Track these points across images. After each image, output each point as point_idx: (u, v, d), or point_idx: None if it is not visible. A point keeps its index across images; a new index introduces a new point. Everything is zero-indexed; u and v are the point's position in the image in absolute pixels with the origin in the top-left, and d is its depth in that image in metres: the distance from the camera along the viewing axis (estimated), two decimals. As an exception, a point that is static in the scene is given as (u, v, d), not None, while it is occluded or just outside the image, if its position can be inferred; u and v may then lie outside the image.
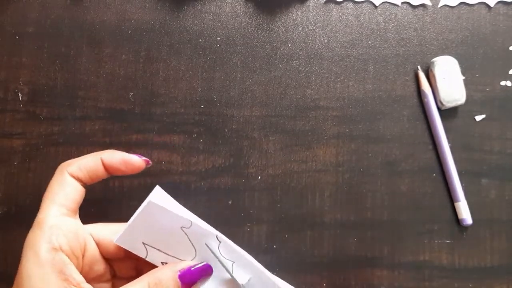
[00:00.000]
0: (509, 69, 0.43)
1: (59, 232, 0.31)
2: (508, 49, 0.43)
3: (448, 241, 0.42)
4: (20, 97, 0.42)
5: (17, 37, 0.42)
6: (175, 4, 0.43)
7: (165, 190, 0.41)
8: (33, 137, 0.41)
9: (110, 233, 0.34)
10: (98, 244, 0.34)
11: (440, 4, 0.43)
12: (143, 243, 0.34)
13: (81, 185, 0.34)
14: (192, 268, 0.33)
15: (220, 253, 0.34)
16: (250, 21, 0.43)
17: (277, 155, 0.42)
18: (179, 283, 0.32)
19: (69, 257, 0.31)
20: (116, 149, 0.41)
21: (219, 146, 0.42)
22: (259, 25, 0.43)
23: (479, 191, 0.42)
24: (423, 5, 0.43)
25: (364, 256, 0.42)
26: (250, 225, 0.41)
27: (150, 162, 0.35)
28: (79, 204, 0.34)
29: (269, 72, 0.43)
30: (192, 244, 0.34)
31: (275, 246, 0.41)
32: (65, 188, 0.33)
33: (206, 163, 0.42)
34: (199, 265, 0.33)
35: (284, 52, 0.43)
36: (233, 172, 0.42)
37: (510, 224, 0.42)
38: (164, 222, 0.33)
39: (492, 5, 0.43)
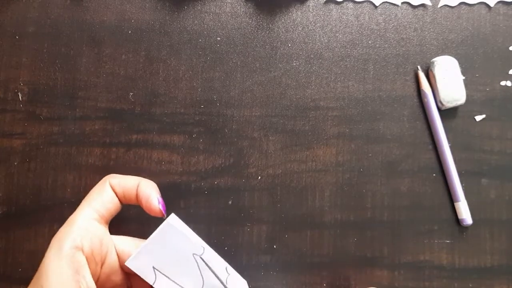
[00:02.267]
0: (509, 69, 0.43)
1: (85, 233, 0.32)
2: (508, 49, 0.43)
3: (448, 241, 0.42)
4: (20, 97, 0.42)
5: (17, 37, 0.42)
6: (175, 4, 0.43)
7: (165, 190, 0.41)
8: (33, 137, 0.41)
9: (132, 247, 0.35)
10: (119, 256, 0.35)
11: (440, 4, 0.43)
12: (153, 267, 0.34)
13: (118, 199, 0.35)
14: None
15: (227, 285, 0.35)
16: (250, 21, 0.43)
17: (277, 155, 0.42)
18: None
19: (88, 260, 0.32)
20: (116, 149, 0.41)
21: (219, 146, 0.42)
22: (259, 25, 0.43)
23: (479, 191, 0.42)
24: (423, 5, 0.43)
25: (364, 256, 0.42)
26: (250, 225, 0.41)
27: (165, 216, 0.35)
28: (112, 216, 0.35)
29: (269, 72, 0.43)
30: (200, 273, 0.34)
31: (275, 246, 0.41)
32: (102, 196, 0.34)
33: (206, 163, 0.42)
34: None
35: (284, 52, 0.43)
36: (233, 172, 0.42)
37: (510, 224, 0.42)
38: (178, 246, 0.34)
39: (492, 5, 0.43)
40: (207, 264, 0.35)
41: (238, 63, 0.43)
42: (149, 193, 0.35)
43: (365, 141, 0.42)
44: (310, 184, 0.42)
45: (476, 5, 0.44)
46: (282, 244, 0.41)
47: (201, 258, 0.34)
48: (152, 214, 0.35)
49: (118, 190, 0.35)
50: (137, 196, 0.35)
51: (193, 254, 0.34)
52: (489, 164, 0.43)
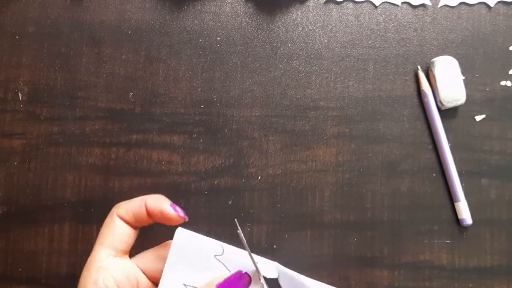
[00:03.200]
0: (509, 69, 0.43)
1: (105, 273, 0.32)
2: (508, 49, 0.43)
3: (448, 241, 0.42)
4: (20, 97, 0.42)
5: (17, 37, 0.42)
6: (175, 4, 0.43)
7: (165, 190, 0.41)
8: (33, 137, 0.41)
9: (153, 259, 0.34)
10: (146, 274, 0.34)
11: (440, 4, 0.43)
12: (184, 284, 0.33)
13: (130, 227, 0.34)
14: (229, 277, 0.33)
15: (258, 269, 0.34)
16: (250, 21, 0.43)
17: (277, 155, 0.42)
18: None
19: None
20: (116, 149, 0.41)
21: (219, 146, 0.42)
22: (259, 25, 0.43)
23: (479, 191, 0.42)
24: (423, 5, 0.43)
25: (364, 256, 0.42)
26: (250, 225, 0.41)
27: (186, 219, 0.34)
28: (129, 245, 0.34)
29: (269, 72, 0.43)
30: (229, 271, 0.34)
31: (275, 246, 0.41)
32: (113, 230, 0.33)
33: (206, 163, 0.42)
34: (234, 273, 0.33)
35: (284, 52, 0.43)
36: (233, 172, 0.42)
37: (510, 224, 0.42)
38: (197, 255, 0.33)
39: (492, 5, 0.43)
40: (231, 261, 0.34)
41: (238, 63, 0.43)
42: (160, 205, 0.34)
43: (365, 141, 0.42)
44: (310, 184, 0.42)
45: (476, 5, 0.44)
46: (282, 244, 0.41)
47: (223, 257, 0.34)
48: (174, 223, 0.34)
49: (127, 218, 0.34)
50: (148, 214, 0.34)
51: (215, 256, 0.34)
52: (489, 164, 0.43)
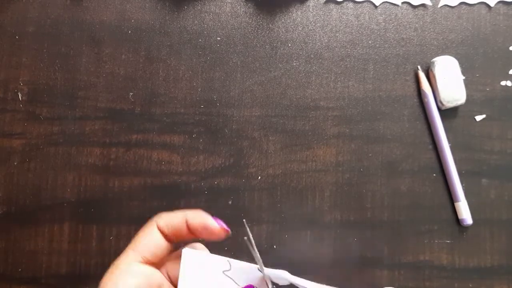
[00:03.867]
0: (509, 69, 0.43)
1: (128, 278, 0.32)
2: (508, 49, 0.43)
3: (448, 241, 0.42)
4: (20, 97, 0.42)
5: (17, 37, 0.42)
6: (175, 4, 0.43)
7: (165, 190, 0.41)
8: (33, 137, 0.41)
9: (175, 260, 0.34)
10: (169, 277, 0.34)
11: (440, 4, 0.43)
12: None
13: (167, 240, 0.33)
14: None
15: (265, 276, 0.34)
16: (250, 21, 0.43)
17: (277, 155, 0.42)
18: None
19: None
20: (116, 149, 0.41)
21: (219, 146, 0.42)
22: (259, 25, 0.43)
23: (479, 191, 0.42)
24: (423, 5, 0.43)
25: (364, 256, 0.42)
26: (250, 225, 0.41)
27: (230, 232, 0.34)
28: (159, 259, 0.34)
29: (269, 72, 0.43)
30: (239, 285, 0.34)
31: (275, 246, 0.41)
32: (148, 239, 0.33)
33: (206, 163, 0.42)
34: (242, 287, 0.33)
35: (284, 52, 0.43)
36: (233, 172, 0.42)
37: (510, 224, 0.42)
38: (207, 274, 0.33)
39: (492, 5, 0.43)
40: (239, 276, 0.34)
41: (238, 63, 0.43)
42: (203, 220, 0.33)
43: (365, 141, 0.42)
44: (310, 184, 0.42)
45: (476, 5, 0.43)
46: (282, 244, 0.41)
47: (231, 272, 0.34)
48: (217, 238, 0.34)
49: (166, 230, 0.33)
50: (190, 230, 0.33)
51: (223, 272, 0.34)
52: (489, 164, 0.43)
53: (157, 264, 0.34)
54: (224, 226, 0.34)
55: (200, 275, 0.34)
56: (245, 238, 0.32)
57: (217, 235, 0.33)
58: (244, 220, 0.34)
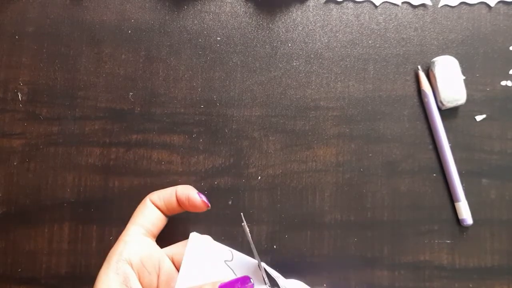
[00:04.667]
0: (510, 69, 0.43)
1: (131, 247, 0.35)
2: (509, 49, 0.43)
3: (448, 241, 0.42)
4: (19, 97, 0.42)
5: (17, 37, 0.42)
6: (175, 4, 0.43)
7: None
8: (32, 137, 0.41)
9: (182, 247, 0.37)
10: (173, 260, 0.37)
11: (440, 4, 0.43)
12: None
13: (161, 213, 0.37)
14: (233, 280, 0.35)
15: (264, 279, 0.36)
16: (250, 21, 0.43)
17: (277, 155, 0.42)
18: None
19: (140, 271, 0.35)
20: (116, 149, 0.41)
21: (219, 146, 0.42)
22: (259, 25, 0.43)
23: (480, 191, 0.42)
24: (423, 5, 0.43)
25: (364, 256, 0.42)
26: (250, 225, 0.41)
27: (210, 206, 0.37)
28: (159, 230, 0.37)
29: (269, 72, 0.43)
30: (237, 276, 0.36)
31: (275, 246, 0.41)
32: (144, 213, 0.36)
33: (206, 163, 0.42)
34: (240, 277, 0.35)
35: (284, 52, 0.43)
36: (233, 172, 0.42)
37: (510, 224, 0.42)
38: (209, 257, 0.35)
39: (492, 5, 0.43)
40: (240, 268, 0.36)
41: (238, 63, 0.43)
42: (187, 192, 0.37)
43: (365, 141, 0.42)
44: (310, 184, 0.42)
45: (477, 5, 0.43)
46: (282, 244, 0.41)
47: (233, 263, 0.36)
48: (198, 210, 0.37)
49: (159, 204, 0.37)
50: (178, 201, 0.37)
51: (225, 261, 0.36)
52: (489, 164, 0.43)
53: (156, 236, 0.37)
54: (205, 199, 0.37)
55: (203, 261, 0.36)
56: (243, 224, 0.34)
57: (198, 207, 0.37)
58: (241, 213, 0.35)
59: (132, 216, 0.37)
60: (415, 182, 0.42)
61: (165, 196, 0.37)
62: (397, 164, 0.42)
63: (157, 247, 0.37)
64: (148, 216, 0.36)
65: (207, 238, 0.37)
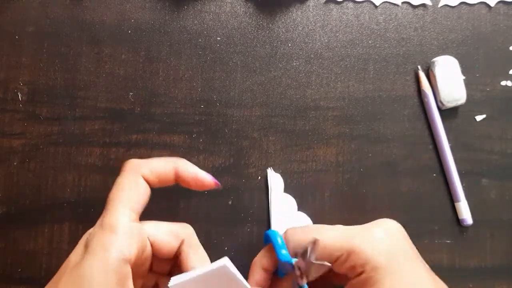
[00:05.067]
0: (510, 69, 0.43)
1: (131, 241, 0.29)
2: (509, 49, 0.43)
3: (448, 241, 0.42)
4: (19, 97, 0.42)
5: (16, 37, 0.42)
6: (175, 4, 0.43)
7: (165, 190, 0.41)
8: (32, 137, 0.41)
9: (167, 232, 0.32)
10: (153, 245, 0.32)
11: (440, 4, 0.43)
12: None
13: (150, 185, 0.32)
14: None
15: None
16: (250, 21, 0.43)
17: (277, 155, 0.42)
18: None
19: (133, 269, 0.29)
20: (116, 149, 0.41)
21: (219, 146, 0.42)
22: (259, 25, 0.43)
23: (480, 191, 0.42)
24: (423, 5, 0.43)
25: (364, 256, 0.42)
26: (250, 225, 0.41)
27: (221, 186, 0.34)
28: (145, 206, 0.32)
29: (269, 72, 0.43)
30: None
31: (275, 246, 0.41)
32: (137, 191, 0.31)
33: (206, 163, 0.42)
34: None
35: (284, 52, 0.43)
36: (233, 172, 0.42)
37: (510, 224, 0.42)
38: None
39: (492, 5, 0.43)
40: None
41: (238, 63, 0.43)
42: (193, 170, 0.33)
43: (365, 141, 0.42)
44: (310, 184, 0.42)
45: (477, 5, 0.43)
46: (282, 244, 0.41)
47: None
48: (204, 188, 0.33)
49: (151, 178, 0.32)
50: (177, 177, 0.32)
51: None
52: (489, 164, 0.43)
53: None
54: (215, 180, 0.33)
55: (220, 285, 0.31)
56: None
57: (207, 186, 0.33)
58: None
59: (120, 192, 0.30)
60: (415, 182, 0.42)
61: (159, 170, 0.32)
62: (397, 164, 0.42)
63: (144, 231, 0.31)
64: (141, 197, 0.31)
65: (239, 273, 0.31)
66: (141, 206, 0.31)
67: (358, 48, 0.43)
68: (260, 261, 0.35)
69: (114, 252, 0.28)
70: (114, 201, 0.30)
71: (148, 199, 0.32)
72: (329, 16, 0.43)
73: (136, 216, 0.31)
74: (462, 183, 0.42)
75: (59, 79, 0.42)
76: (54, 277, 0.30)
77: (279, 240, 0.34)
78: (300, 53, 0.43)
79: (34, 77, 0.42)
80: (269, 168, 0.41)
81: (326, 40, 0.43)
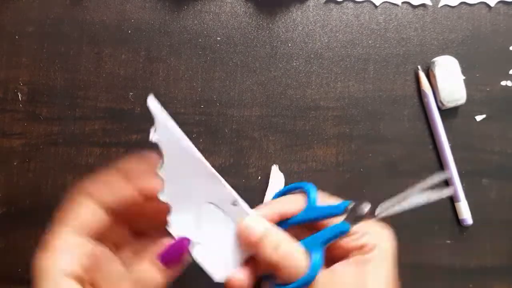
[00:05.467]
0: (510, 69, 0.43)
1: (72, 257, 0.30)
2: (508, 49, 0.43)
3: (448, 241, 0.42)
4: (19, 97, 0.42)
5: (17, 37, 0.42)
6: (175, 4, 0.43)
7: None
8: (32, 137, 0.41)
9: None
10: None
11: (440, 4, 0.43)
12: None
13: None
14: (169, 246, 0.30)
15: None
16: (250, 21, 0.43)
17: (277, 155, 0.42)
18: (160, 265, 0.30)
19: (83, 282, 0.29)
20: (116, 149, 0.41)
21: (219, 146, 0.42)
22: (259, 25, 0.43)
23: (480, 191, 0.42)
24: (423, 5, 0.43)
25: (364, 256, 0.42)
26: (250, 225, 0.41)
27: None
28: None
29: (269, 72, 0.43)
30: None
31: (275, 246, 0.41)
32: (82, 212, 0.32)
33: (206, 163, 0.42)
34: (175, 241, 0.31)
35: (284, 52, 0.43)
36: (233, 172, 0.42)
37: (510, 224, 0.42)
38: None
39: (492, 5, 0.43)
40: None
41: (238, 63, 0.43)
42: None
43: (365, 141, 0.42)
44: (310, 184, 0.42)
45: (477, 5, 0.43)
46: (282, 244, 0.41)
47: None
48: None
49: (105, 198, 0.32)
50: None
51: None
52: (489, 164, 0.43)
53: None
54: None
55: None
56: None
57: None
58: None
59: (62, 215, 0.32)
60: (415, 182, 0.42)
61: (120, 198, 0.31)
62: (397, 164, 0.42)
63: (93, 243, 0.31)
64: (83, 216, 0.32)
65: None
66: (85, 224, 0.31)
67: (358, 48, 0.43)
68: (283, 207, 0.34)
69: (55, 271, 0.29)
70: (58, 223, 0.32)
71: (100, 219, 0.32)
72: (329, 16, 0.43)
73: (80, 233, 0.31)
74: (462, 183, 0.42)
75: (59, 79, 0.42)
76: None
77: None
78: (300, 53, 0.43)
79: (34, 77, 0.42)
80: (274, 165, 0.41)
81: (326, 40, 0.43)
